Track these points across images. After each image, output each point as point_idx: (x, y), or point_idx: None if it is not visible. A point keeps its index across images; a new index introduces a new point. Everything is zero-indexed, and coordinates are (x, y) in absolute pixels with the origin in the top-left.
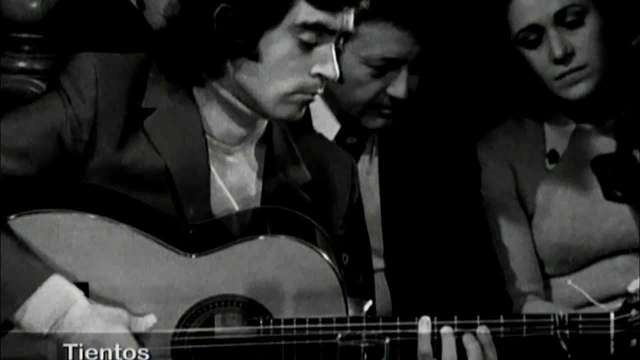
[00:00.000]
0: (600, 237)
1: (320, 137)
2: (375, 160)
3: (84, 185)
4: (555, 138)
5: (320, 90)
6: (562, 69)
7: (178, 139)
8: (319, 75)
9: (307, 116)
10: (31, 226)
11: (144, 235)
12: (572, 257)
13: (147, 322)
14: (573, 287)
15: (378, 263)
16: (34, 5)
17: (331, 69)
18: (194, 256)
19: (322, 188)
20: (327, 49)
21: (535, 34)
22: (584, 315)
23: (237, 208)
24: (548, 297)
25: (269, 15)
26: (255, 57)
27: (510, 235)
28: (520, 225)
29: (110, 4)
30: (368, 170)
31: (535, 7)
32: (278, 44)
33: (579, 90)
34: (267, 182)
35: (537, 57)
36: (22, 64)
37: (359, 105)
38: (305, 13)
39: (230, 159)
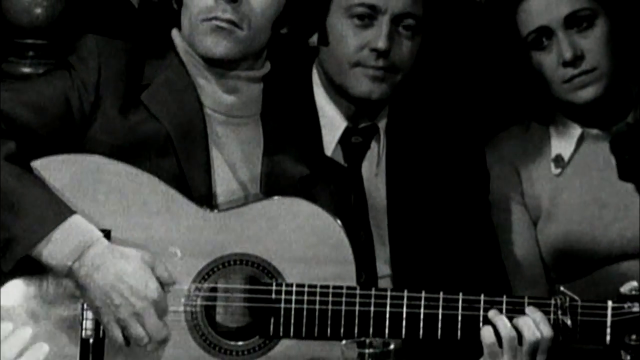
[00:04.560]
0: (605, 243)
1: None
2: (383, 162)
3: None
4: (561, 143)
5: (226, 15)
6: (571, 71)
7: (174, 106)
8: None
9: (314, 114)
10: (56, 168)
11: (167, 186)
12: (577, 263)
13: (169, 275)
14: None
15: (385, 269)
16: (39, 11)
17: None
18: (214, 211)
19: (318, 185)
20: None
21: (545, 37)
22: (583, 301)
23: (235, 182)
24: None
25: None
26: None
27: (515, 240)
28: (526, 231)
29: (114, 10)
30: (376, 172)
31: (545, 9)
32: None
33: (588, 93)
34: (264, 172)
35: (546, 60)
36: (26, 70)
37: (344, 63)
38: None
39: (222, 130)
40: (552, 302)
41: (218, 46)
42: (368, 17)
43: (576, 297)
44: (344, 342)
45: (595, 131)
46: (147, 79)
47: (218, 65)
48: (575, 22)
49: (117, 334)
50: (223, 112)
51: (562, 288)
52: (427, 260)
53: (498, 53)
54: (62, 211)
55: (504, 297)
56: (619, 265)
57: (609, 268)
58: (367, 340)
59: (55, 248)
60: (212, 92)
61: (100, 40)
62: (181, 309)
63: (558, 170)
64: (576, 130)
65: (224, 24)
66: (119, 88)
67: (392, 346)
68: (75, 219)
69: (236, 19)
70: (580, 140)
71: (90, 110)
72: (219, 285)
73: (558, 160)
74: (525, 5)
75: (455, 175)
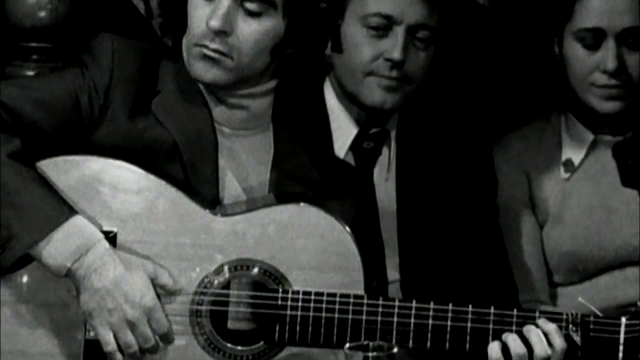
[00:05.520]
0: (611, 249)
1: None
2: (394, 167)
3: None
4: (572, 147)
5: (213, 45)
6: (606, 80)
7: (183, 116)
8: (207, 26)
9: (325, 119)
10: (64, 169)
11: (174, 188)
12: (582, 267)
13: (174, 283)
14: (583, 302)
15: (393, 274)
16: (42, 14)
17: (214, 21)
18: (221, 216)
19: (329, 191)
20: (219, 3)
21: (596, 38)
22: (595, 317)
23: (242, 192)
24: (555, 307)
25: None
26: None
27: (520, 242)
28: (531, 233)
29: (119, 13)
30: (387, 177)
31: (607, 13)
32: None
33: (611, 106)
34: (273, 177)
35: (587, 59)
36: (30, 73)
37: (357, 72)
38: None
39: (229, 142)
40: (564, 317)
41: (207, 73)
42: (383, 28)
43: (595, 309)
44: (347, 345)
45: (607, 137)
46: (159, 85)
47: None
48: (630, 37)
49: (108, 338)
50: (229, 126)
51: (580, 299)
52: (436, 265)
53: (524, 39)
54: (63, 211)
55: (515, 310)
56: (624, 272)
57: (613, 274)
58: (371, 344)
59: (55, 249)
60: (216, 107)
61: (117, 40)
62: (187, 312)
63: (567, 175)
64: (588, 136)
65: (212, 54)
66: (129, 92)
67: (395, 350)
68: (77, 220)
69: (224, 50)
70: (592, 146)
71: (99, 113)
72: (225, 291)
73: (568, 164)
74: (588, 2)
75: (464, 180)
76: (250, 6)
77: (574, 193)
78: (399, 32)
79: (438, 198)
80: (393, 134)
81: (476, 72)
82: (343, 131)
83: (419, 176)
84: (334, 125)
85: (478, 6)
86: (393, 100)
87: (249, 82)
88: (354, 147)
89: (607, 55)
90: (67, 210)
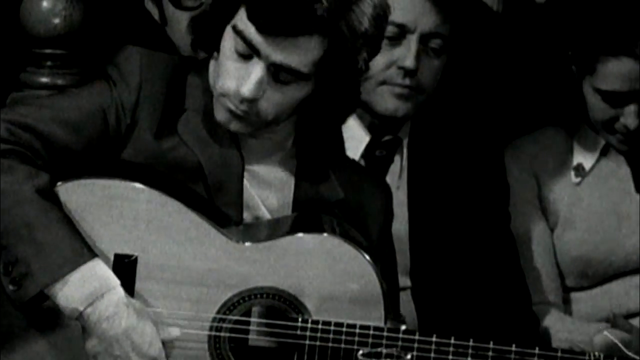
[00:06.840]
0: (622, 255)
1: (357, 163)
2: (405, 174)
3: (140, 165)
4: (583, 152)
5: (241, 107)
6: (622, 129)
7: (209, 137)
8: (238, 89)
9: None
10: (87, 192)
11: (197, 215)
12: (592, 272)
13: (172, 333)
14: (608, 335)
15: (405, 281)
16: (57, 21)
17: (246, 89)
18: (244, 243)
19: (355, 208)
20: (252, 67)
21: (617, 99)
22: (619, 358)
23: (266, 213)
24: (567, 312)
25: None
26: (217, 53)
27: (530, 244)
28: (542, 234)
29: (133, 19)
30: (398, 184)
31: (627, 79)
32: (225, 43)
33: (622, 146)
34: (297, 197)
35: (607, 111)
36: (44, 80)
37: (370, 81)
38: (242, 21)
39: (250, 165)
40: (586, 358)
41: (230, 124)
42: (397, 36)
43: (620, 344)
44: (360, 351)
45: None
46: (186, 103)
47: None
48: None
49: None
50: (252, 151)
51: (605, 332)
52: (448, 272)
53: (537, 47)
54: (83, 254)
55: (536, 349)
56: (634, 279)
57: (623, 280)
58: (384, 351)
59: (69, 291)
60: (240, 135)
61: (144, 55)
62: (205, 339)
63: (578, 180)
64: (599, 142)
65: (237, 111)
66: (156, 110)
67: (408, 356)
68: (95, 264)
69: (250, 111)
70: (604, 151)
71: (125, 132)
72: (244, 318)
73: (579, 169)
74: (607, 69)
75: (476, 187)
76: (283, 76)
77: (584, 198)
78: (412, 40)
79: (450, 205)
80: (405, 141)
81: (489, 80)
82: (355, 139)
83: (430, 184)
84: (346, 134)
85: (492, 13)
86: (405, 108)
87: (273, 125)
88: (366, 154)
89: (630, 112)
90: (87, 252)
